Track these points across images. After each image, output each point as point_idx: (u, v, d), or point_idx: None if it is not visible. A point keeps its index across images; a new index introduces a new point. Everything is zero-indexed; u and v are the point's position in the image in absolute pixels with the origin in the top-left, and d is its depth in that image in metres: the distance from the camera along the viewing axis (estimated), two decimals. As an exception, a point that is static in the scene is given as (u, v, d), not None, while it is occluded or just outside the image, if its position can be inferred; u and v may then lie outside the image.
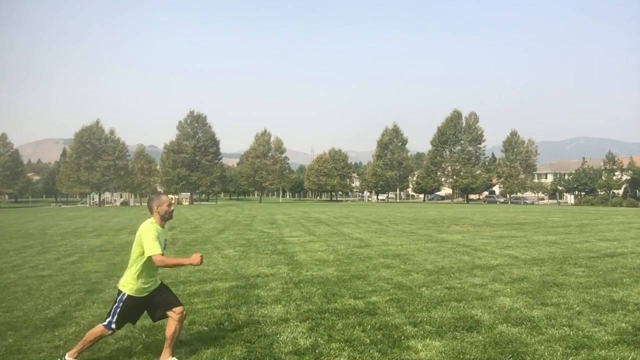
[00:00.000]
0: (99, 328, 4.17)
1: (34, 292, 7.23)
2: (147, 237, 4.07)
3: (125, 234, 17.33)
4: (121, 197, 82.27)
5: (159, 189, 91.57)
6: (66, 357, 4.18)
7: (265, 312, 5.83)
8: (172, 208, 4.32)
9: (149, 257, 4.08)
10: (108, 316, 4.17)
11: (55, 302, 6.53)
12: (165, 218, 4.28)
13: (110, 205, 74.13)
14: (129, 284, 4.17)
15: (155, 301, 4.30)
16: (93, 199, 77.55)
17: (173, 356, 4.28)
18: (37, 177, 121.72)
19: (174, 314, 4.28)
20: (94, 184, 72.51)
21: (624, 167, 76.96)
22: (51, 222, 25.75)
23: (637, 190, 76.60)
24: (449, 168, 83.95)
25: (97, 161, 72.18)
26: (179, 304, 4.36)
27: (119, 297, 4.18)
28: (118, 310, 4.14)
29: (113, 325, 4.12)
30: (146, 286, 4.22)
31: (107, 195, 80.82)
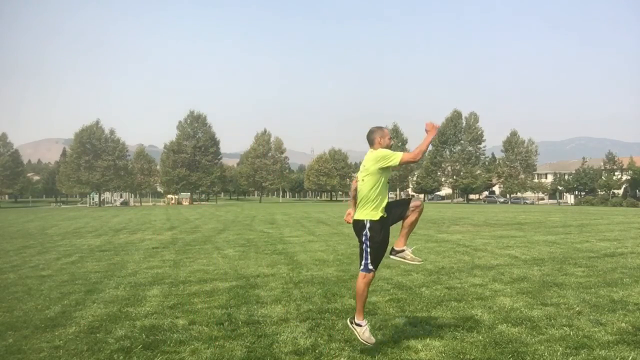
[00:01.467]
0: (359, 277, 4.23)
1: (34, 292, 7.22)
2: (384, 153, 4.18)
3: (125, 234, 17.33)
4: (121, 197, 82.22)
5: (159, 189, 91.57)
6: (355, 321, 4.28)
7: (265, 312, 5.83)
8: (392, 142, 4.47)
9: (383, 185, 4.23)
10: (361, 259, 4.24)
11: (55, 302, 6.53)
12: None
13: (110, 205, 74.11)
14: (370, 214, 4.24)
15: (392, 212, 4.36)
16: (93, 199, 77.53)
17: (407, 246, 4.45)
18: (37, 177, 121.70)
19: (413, 207, 4.42)
20: (94, 184, 72.57)
21: (624, 167, 76.98)
22: (51, 222, 25.75)
23: (637, 190, 76.60)
24: (449, 168, 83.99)
25: (97, 161, 72.24)
26: (411, 199, 4.53)
27: (364, 232, 4.22)
28: (368, 248, 4.19)
29: (370, 266, 4.18)
30: (383, 212, 4.29)
31: (107, 195, 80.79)
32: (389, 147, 4.39)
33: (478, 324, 5.23)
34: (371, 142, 4.43)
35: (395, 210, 4.44)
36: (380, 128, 4.48)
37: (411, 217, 4.44)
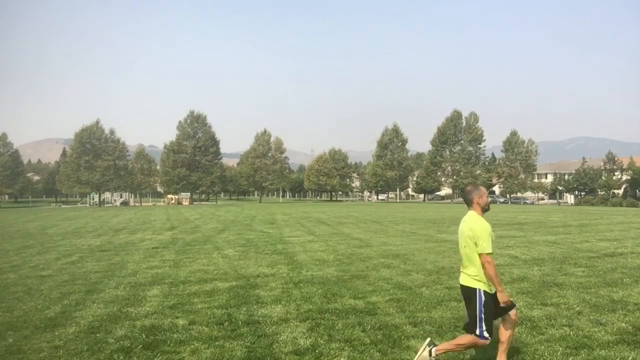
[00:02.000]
0: (472, 338, 3.99)
1: (34, 292, 7.23)
2: (484, 233, 3.97)
3: (125, 234, 17.33)
4: (121, 197, 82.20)
5: (159, 189, 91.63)
6: (434, 350, 4.08)
7: (265, 312, 5.84)
8: (489, 199, 4.25)
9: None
10: (475, 326, 3.96)
11: (55, 302, 6.53)
12: (485, 210, 4.22)
13: (110, 205, 74.08)
14: (482, 279, 3.97)
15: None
16: (93, 199, 77.51)
17: None
18: (37, 177, 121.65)
19: (510, 318, 4.10)
20: (94, 184, 72.52)
21: (624, 167, 76.92)
22: (51, 222, 25.75)
23: (637, 190, 76.58)
24: (449, 168, 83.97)
25: (97, 161, 72.18)
26: (514, 305, 4.17)
27: (478, 298, 3.96)
28: (483, 314, 3.92)
29: (486, 334, 3.91)
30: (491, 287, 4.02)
31: (107, 195, 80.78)
32: (487, 205, 4.23)
33: (478, 324, 5.23)
34: (469, 202, 4.24)
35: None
36: (477, 187, 4.32)
37: (507, 330, 4.13)
